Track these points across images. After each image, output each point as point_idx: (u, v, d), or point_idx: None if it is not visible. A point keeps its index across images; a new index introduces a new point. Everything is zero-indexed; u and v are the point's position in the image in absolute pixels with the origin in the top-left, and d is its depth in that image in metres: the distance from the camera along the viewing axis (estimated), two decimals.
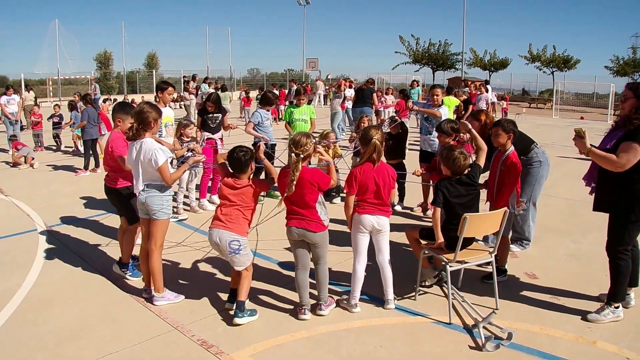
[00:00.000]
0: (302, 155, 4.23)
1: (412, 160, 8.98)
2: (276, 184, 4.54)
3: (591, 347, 4.04)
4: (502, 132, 5.05)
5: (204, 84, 21.79)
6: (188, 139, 7.43)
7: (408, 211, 7.92)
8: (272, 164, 4.96)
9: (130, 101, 21.65)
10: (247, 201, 4.39)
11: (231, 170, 4.46)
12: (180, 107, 22.72)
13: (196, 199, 8.04)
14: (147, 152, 4.53)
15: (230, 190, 4.38)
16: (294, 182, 4.21)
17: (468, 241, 4.62)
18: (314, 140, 4.47)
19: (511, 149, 5.06)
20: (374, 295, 4.84)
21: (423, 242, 4.87)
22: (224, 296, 4.74)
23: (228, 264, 4.56)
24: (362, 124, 7.73)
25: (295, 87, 19.09)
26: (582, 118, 26.06)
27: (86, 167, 11.16)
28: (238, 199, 4.37)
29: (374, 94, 14.46)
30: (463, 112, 13.92)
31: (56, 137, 14.82)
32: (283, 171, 4.45)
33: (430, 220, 7.36)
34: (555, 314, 4.57)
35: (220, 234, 4.34)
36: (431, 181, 4.92)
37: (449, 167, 4.61)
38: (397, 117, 8.45)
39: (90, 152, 11.20)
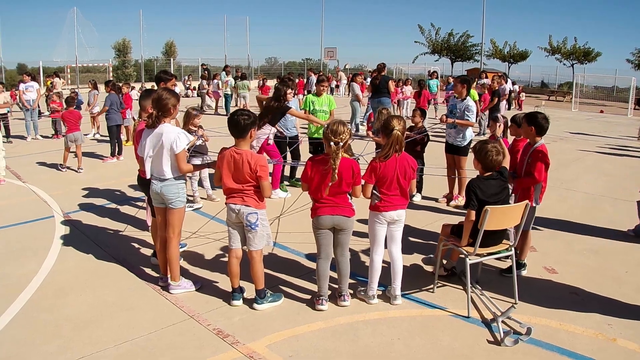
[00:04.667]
0: (341, 144, 4.18)
1: (434, 151, 8.91)
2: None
3: (611, 344, 3.96)
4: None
5: (223, 72, 21.67)
6: (195, 129, 7.36)
7: (431, 202, 7.83)
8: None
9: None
10: (248, 179, 4.29)
11: (232, 136, 4.39)
12: (199, 96, 22.70)
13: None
14: (168, 137, 4.46)
15: (233, 167, 4.30)
16: (336, 171, 4.18)
17: (498, 237, 4.54)
18: (349, 127, 4.40)
19: (540, 142, 4.98)
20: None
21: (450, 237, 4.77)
22: (241, 284, 4.68)
23: (244, 253, 4.53)
24: (381, 116, 7.60)
25: (313, 77, 18.70)
26: (601, 111, 25.65)
27: (112, 154, 11.20)
28: (243, 176, 4.29)
29: (390, 82, 13.41)
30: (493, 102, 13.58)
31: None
32: (314, 161, 4.36)
33: (454, 211, 7.35)
34: (574, 309, 4.49)
35: (239, 207, 4.34)
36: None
37: (480, 161, 4.50)
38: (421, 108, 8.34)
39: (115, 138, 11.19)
